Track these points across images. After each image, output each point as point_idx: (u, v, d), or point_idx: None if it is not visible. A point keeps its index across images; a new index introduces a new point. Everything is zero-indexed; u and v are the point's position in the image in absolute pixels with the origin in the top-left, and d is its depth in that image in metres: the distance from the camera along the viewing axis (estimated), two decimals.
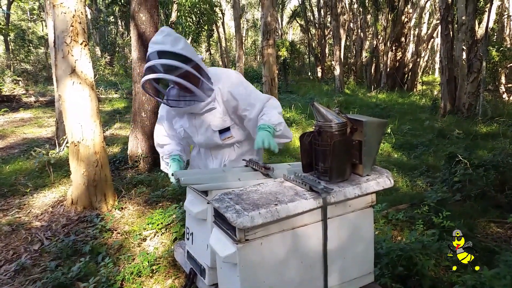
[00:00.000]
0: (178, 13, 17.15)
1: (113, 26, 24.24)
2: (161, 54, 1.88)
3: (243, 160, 2.11)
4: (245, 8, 33.14)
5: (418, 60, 16.61)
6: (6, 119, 9.51)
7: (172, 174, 1.97)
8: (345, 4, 19.08)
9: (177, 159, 2.20)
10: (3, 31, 16.24)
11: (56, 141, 6.27)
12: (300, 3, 22.79)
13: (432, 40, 17.94)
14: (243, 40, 25.58)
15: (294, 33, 35.81)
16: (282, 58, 17.20)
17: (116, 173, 5.12)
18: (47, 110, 10.73)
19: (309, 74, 24.40)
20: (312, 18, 24.05)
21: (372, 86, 16.22)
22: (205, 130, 2.12)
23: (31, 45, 19.97)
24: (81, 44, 3.76)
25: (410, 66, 16.31)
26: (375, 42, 18.07)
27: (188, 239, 2.02)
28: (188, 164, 2.45)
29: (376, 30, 17.92)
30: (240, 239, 1.38)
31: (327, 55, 22.40)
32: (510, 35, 15.06)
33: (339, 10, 16.68)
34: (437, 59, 21.16)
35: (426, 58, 19.53)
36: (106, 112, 10.22)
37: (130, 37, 5.77)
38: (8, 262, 3.15)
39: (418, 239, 2.68)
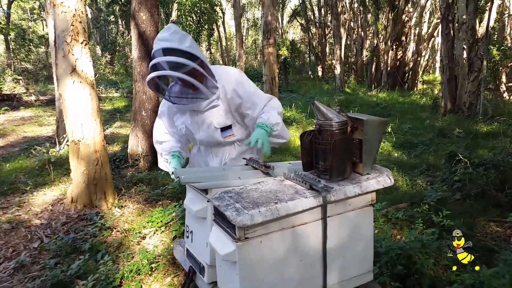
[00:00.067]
0: (179, 12, 17.15)
1: (113, 26, 24.23)
2: (168, 51, 1.88)
3: (243, 158, 2.11)
4: (246, 7, 33.10)
5: (419, 59, 16.60)
6: (7, 118, 9.52)
7: (172, 173, 1.97)
8: (345, 3, 19.07)
9: (177, 156, 2.20)
10: (4, 30, 16.22)
11: (57, 140, 6.27)
12: (301, 2, 22.76)
13: (432, 39, 17.93)
14: (244, 39, 25.56)
15: (294, 32, 35.78)
16: (282, 57, 17.19)
17: (116, 172, 5.12)
18: (47, 109, 10.74)
19: (310, 73, 24.37)
20: (312, 17, 24.03)
21: (373, 85, 16.21)
22: (207, 127, 2.13)
23: (31, 44, 19.97)
24: (81, 43, 3.76)
25: (411, 65, 16.30)
26: (375, 41, 18.05)
27: (187, 237, 2.02)
28: (188, 162, 2.45)
29: (376, 29, 17.90)
30: (239, 237, 1.38)
31: (327, 54, 22.38)
32: (510, 34, 15.05)
33: (339, 9, 16.67)
34: (438, 58, 21.13)
35: (426, 57, 19.52)
36: (106, 111, 10.22)
37: (131, 36, 5.77)
38: (8, 259, 3.15)
39: (417, 238, 2.68)
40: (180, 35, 1.91)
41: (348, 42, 21.51)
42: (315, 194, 1.50)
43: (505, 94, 11.22)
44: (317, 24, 23.31)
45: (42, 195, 4.42)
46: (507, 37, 14.66)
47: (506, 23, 15.78)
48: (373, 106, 10.97)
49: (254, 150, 2.26)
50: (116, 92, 13.27)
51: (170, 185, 4.34)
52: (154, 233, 3.44)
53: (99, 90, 12.11)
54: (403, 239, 3.05)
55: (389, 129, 7.39)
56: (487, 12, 9.10)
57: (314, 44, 23.34)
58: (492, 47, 10.84)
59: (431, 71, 26.18)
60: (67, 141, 5.06)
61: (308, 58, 26.58)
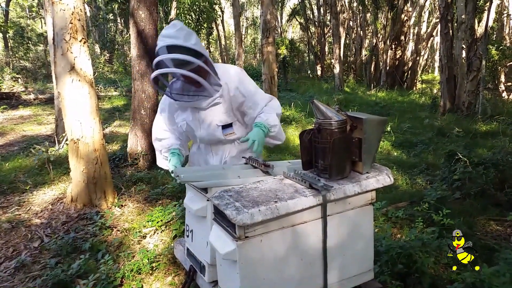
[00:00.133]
0: (178, 11, 17.11)
1: (112, 24, 24.21)
2: (173, 48, 1.88)
3: (242, 157, 2.12)
4: (245, 6, 33.07)
5: (418, 58, 16.61)
6: (6, 117, 9.50)
7: (172, 171, 1.97)
8: (344, 2, 19.08)
9: (177, 153, 2.20)
10: (2, 28, 16.21)
11: (56, 139, 6.27)
12: (300, 1, 22.76)
13: (431, 38, 17.93)
14: (243, 38, 25.53)
15: (293, 31, 35.75)
16: (281, 56, 17.19)
17: (115, 171, 5.12)
18: (46, 108, 10.72)
19: (309, 72, 24.37)
20: (311, 16, 24.02)
21: (372, 85, 16.23)
22: (208, 124, 2.13)
23: (30, 42, 19.93)
24: (80, 41, 3.75)
25: (410, 65, 16.31)
26: (374, 41, 18.06)
27: (188, 236, 2.02)
28: (187, 160, 2.44)
29: (375, 28, 17.92)
30: (239, 236, 1.38)
31: (326, 53, 22.38)
32: (509, 34, 15.06)
33: (338, 8, 16.67)
34: (437, 57, 21.14)
35: (425, 56, 19.54)
36: (105, 110, 10.21)
37: (130, 34, 5.75)
38: (8, 259, 3.15)
39: (417, 236, 2.68)
40: (186, 32, 1.91)
41: (347, 41, 21.50)
42: (314, 193, 1.50)
43: (504, 94, 11.24)
44: (316, 23, 23.30)
45: (41, 194, 4.42)
46: (506, 37, 14.68)
47: (505, 23, 15.78)
48: (372, 105, 10.98)
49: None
50: (115, 90, 13.25)
51: (170, 184, 4.34)
52: (154, 232, 3.44)
53: (98, 89, 12.10)
54: (403, 238, 3.05)
55: (389, 128, 7.40)
56: (486, 12, 9.10)
57: (313, 43, 23.34)
58: (491, 47, 10.86)
59: (430, 71, 26.21)
60: (66, 140, 5.06)
61: (307, 57, 26.60)
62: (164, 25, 17.32)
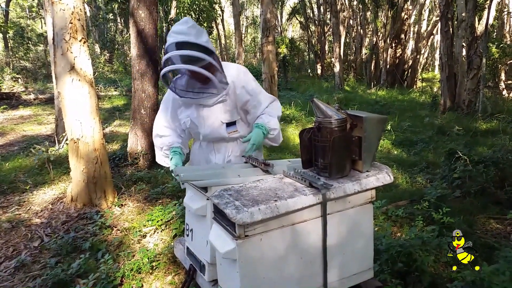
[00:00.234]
0: (177, 10, 17.13)
1: (112, 24, 24.19)
2: (184, 44, 1.88)
3: (242, 156, 2.12)
4: (245, 5, 33.04)
5: (418, 57, 16.59)
6: (6, 117, 9.51)
7: (172, 171, 1.97)
8: (344, 1, 19.05)
9: (178, 152, 2.20)
10: (2, 28, 16.20)
11: (56, 138, 6.27)
12: (300, 0, 22.73)
13: (432, 37, 17.89)
14: (243, 37, 25.52)
15: (293, 30, 35.72)
16: (281, 55, 17.17)
17: (115, 170, 5.12)
18: (46, 108, 10.72)
19: (309, 71, 24.36)
20: (311, 15, 23.98)
21: (372, 83, 16.21)
22: (213, 122, 2.13)
23: (30, 42, 19.93)
24: (80, 41, 3.75)
25: (410, 63, 16.29)
26: (374, 39, 18.04)
27: (187, 235, 2.02)
28: (188, 158, 2.44)
29: (375, 27, 17.89)
30: (239, 235, 1.38)
31: (326, 52, 22.36)
32: (510, 32, 15.05)
33: (338, 7, 16.64)
34: (437, 56, 21.12)
35: (426, 55, 19.49)
36: (105, 109, 10.21)
37: (130, 34, 5.75)
38: (8, 259, 3.15)
39: (417, 235, 2.68)
40: (197, 30, 1.93)
41: (347, 40, 21.49)
42: (314, 192, 1.50)
43: (504, 92, 11.23)
44: (316, 22, 23.28)
45: (42, 194, 4.42)
46: (506, 35, 14.67)
47: (505, 21, 15.77)
48: (372, 104, 10.97)
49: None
50: (115, 90, 13.25)
51: (170, 183, 4.34)
52: (154, 231, 3.44)
53: (98, 88, 12.10)
54: (403, 236, 3.05)
55: (389, 127, 7.40)
56: (486, 10, 9.07)
57: (313, 42, 23.32)
58: (491, 45, 10.84)
59: (430, 69, 26.17)
60: (66, 139, 5.06)
61: (307, 56, 26.57)
62: (164, 24, 17.34)
